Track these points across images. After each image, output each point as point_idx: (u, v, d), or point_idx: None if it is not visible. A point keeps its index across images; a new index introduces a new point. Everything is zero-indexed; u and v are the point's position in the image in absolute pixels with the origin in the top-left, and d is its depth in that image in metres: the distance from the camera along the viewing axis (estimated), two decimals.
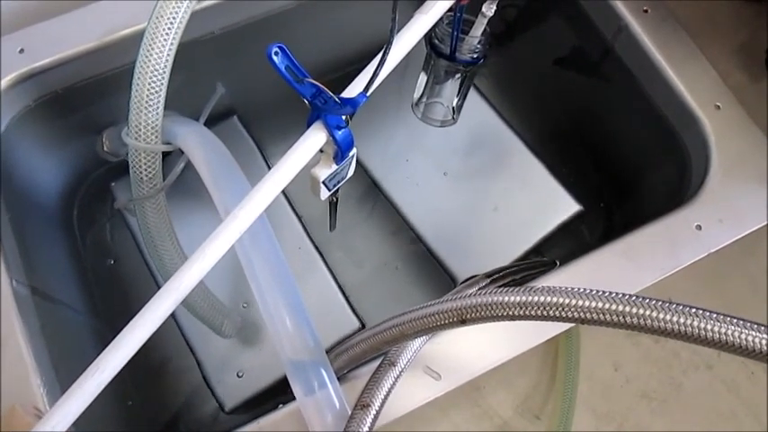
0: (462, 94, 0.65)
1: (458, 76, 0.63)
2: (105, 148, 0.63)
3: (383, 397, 0.45)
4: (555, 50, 0.78)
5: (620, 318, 0.31)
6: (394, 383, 0.46)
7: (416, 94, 0.67)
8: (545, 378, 0.91)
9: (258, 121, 0.80)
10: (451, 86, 0.65)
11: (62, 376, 0.51)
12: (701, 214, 0.55)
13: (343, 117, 0.45)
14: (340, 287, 0.71)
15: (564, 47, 0.76)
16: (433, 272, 0.75)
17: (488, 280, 0.54)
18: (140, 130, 0.49)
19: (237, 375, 0.68)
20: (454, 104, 0.66)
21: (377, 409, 0.44)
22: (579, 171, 0.78)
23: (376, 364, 0.48)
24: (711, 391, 0.92)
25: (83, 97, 0.63)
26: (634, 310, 0.31)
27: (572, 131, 0.81)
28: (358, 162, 0.51)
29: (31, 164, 0.65)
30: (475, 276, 0.56)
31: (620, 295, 0.32)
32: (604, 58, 0.68)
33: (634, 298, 0.31)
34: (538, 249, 0.73)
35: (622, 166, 0.75)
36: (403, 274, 0.78)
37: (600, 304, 0.32)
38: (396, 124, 0.80)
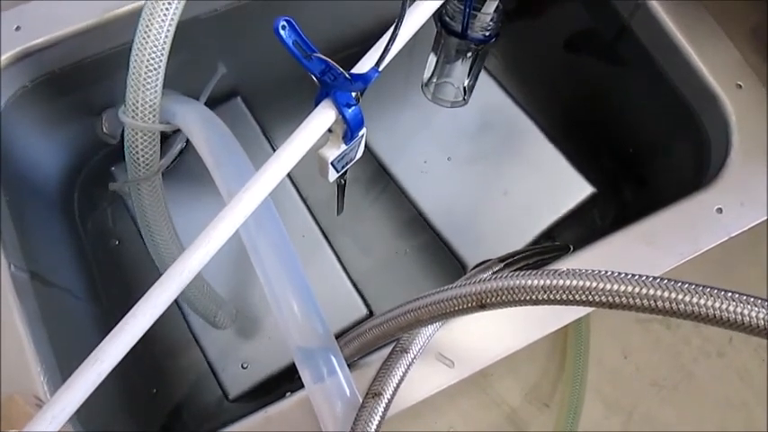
0: (474, 75, 0.64)
1: (469, 54, 0.61)
2: (105, 130, 0.62)
3: (395, 385, 0.43)
4: (569, 28, 0.76)
5: (652, 302, 0.29)
6: (406, 371, 0.44)
7: (426, 75, 0.65)
8: (554, 365, 0.90)
9: (263, 102, 0.78)
10: (462, 66, 0.63)
11: (63, 364, 0.50)
12: (721, 197, 0.53)
13: (353, 94, 0.43)
14: (347, 273, 0.70)
15: (578, 24, 0.74)
16: (442, 257, 0.73)
17: (502, 264, 0.53)
18: (137, 108, 0.48)
19: (242, 367, 0.66)
20: (465, 84, 0.64)
21: (389, 397, 0.43)
22: (592, 153, 0.76)
23: (387, 351, 0.46)
24: (723, 379, 0.91)
25: (82, 77, 0.61)
26: (666, 294, 0.29)
27: (585, 113, 0.78)
28: (365, 145, 0.49)
29: (29, 146, 0.63)
30: (488, 261, 0.54)
31: (651, 279, 0.30)
32: (620, 37, 0.66)
33: (666, 281, 0.30)
34: (550, 234, 0.71)
35: (637, 149, 0.73)
36: (411, 260, 0.76)
37: (630, 288, 0.30)
38: (404, 107, 0.78)
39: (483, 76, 0.77)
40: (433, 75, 0.65)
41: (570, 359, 0.88)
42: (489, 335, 0.48)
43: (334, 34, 0.73)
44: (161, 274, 0.59)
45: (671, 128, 0.66)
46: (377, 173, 0.77)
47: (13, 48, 0.56)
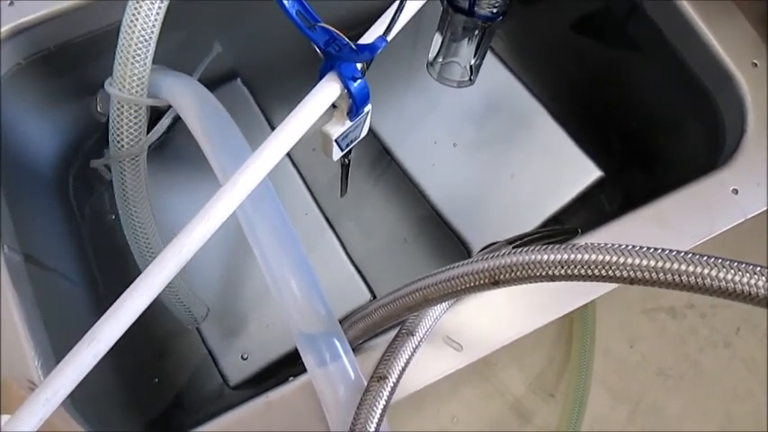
0: (480, 54, 0.62)
1: (476, 32, 0.59)
2: (98, 109, 0.60)
3: (401, 368, 0.42)
4: (577, 7, 0.74)
5: (677, 277, 0.28)
6: (412, 354, 0.43)
7: (431, 54, 0.64)
8: (559, 355, 0.89)
9: (264, 84, 0.76)
10: (469, 44, 0.61)
11: (58, 348, 0.49)
12: (737, 178, 0.52)
13: (359, 67, 0.41)
14: (350, 257, 0.68)
15: (587, 3, 0.72)
16: (447, 242, 0.72)
17: (510, 247, 0.51)
18: (125, 80, 0.47)
19: (242, 358, 0.65)
20: (472, 63, 0.62)
21: (394, 381, 0.41)
22: (600, 137, 0.74)
23: (392, 334, 0.45)
24: (729, 369, 0.90)
25: (77, 55, 0.59)
26: (692, 269, 0.28)
27: (593, 95, 0.77)
28: (369, 128, 0.48)
29: (24, 126, 0.61)
30: (495, 243, 0.53)
31: (676, 252, 0.28)
32: (631, 15, 0.64)
33: (691, 255, 0.28)
34: (557, 219, 0.69)
35: (647, 130, 0.71)
36: (415, 245, 0.75)
37: (653, 262, 0.28)
38: (408, 88, 0.76)
39: (489, 57, 0.75)
40: (438, 54, 0.63)
41: (576, 349, 0.88)
42: (500, 317, 0.47)
43: (341, 13, 0.71)
44: (137, 258, 0.58)
45: (683, 109, 0.64)
46: (380, 156, 0.76)
47: (6, 23, 0.54)
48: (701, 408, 0.88)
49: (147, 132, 0.53)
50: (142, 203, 0.56)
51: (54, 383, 0.35)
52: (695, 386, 0.89)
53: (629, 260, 0.29)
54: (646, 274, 0.28)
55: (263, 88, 0.75)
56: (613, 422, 0.86)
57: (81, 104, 0.64)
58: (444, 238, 0.72)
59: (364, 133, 0.48)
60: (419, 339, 0.43)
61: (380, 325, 0.41)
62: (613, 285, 0.48)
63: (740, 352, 0.91)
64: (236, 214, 0.46)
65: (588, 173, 0.70)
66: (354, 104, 0.42)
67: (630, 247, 0.29)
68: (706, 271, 0.28)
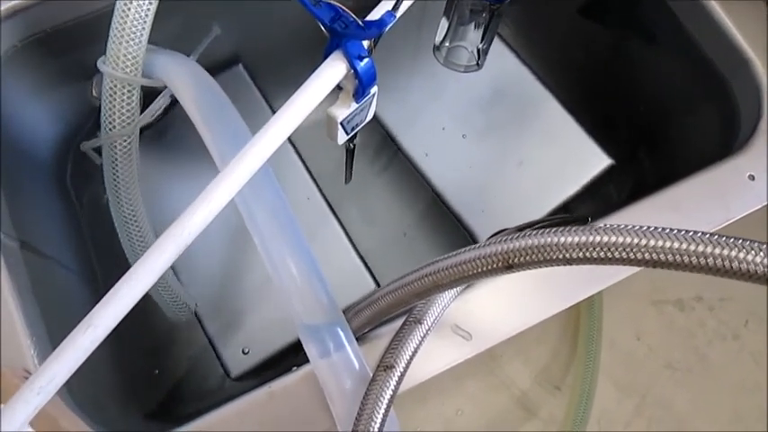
0: (488, 38, 0.60)
1: (484, 15, 0.58)
2: (94, 93, 0.59)
3: (409, 357, 0.41)
4: None
5: (702, 260, 0.26)
6: (420, 343, 0.41)
7: (438, 38, 0.62)
8: (565, 347, 0.88)
9: (266, 69, 0.74)
10: (476, 28, 0.59)
11: (55, 337, 0.47)
12: (753, 164, 0.50)
13: (366, 45, 0.40)
14: (354, 246, 0.67)
15: None
16: (452, 231, 0.71)
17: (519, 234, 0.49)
18: (119, 59, 0.46)
19: (243, 352, 0.64)
20: (479, 48, 0.61)
21: (401, 370, 0.40)
22: (609, 124, 0.73)
23: (399, 323, 0.44)
24: (737, 362, 0.89)
25: (74, 38, 0.58)
26: (718, 251, 0.26)
27: (603, 80, 0.75)
28: (374, 115, 0.46)
29: (20, 110, 0.60)
30: (503, 230, 0.51)
31: (701, 234, 0.27)
32: None
33: (718, 237, 0.27)
34: (566, 208, 0.68)
35: (658, 117, 0.69)
36: (420, 233, 0.74)
37: (677, 244, 0.27)
38: (414, 74, 0.75)
39: (496, 42, 0.74)
40: (445, 38, 0.62)
41: (582, 341, 0.86)
42: (510, 305, 0.46)
43: None
44: (124, 244, 0.57)
45: (696, 94, 0.62)
46: (384, 143, 0.74)
47: (1, 4, 0.53)
48: (708, 401, 0.87)
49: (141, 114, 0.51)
50: (133, 188, 0.55)
51: (49, 371, 0.33)
52: (703, 379, 0.88)
53: (652, 242, 0.27)
54: (669, 256, 0.27)
55: (266, 74, 0.74)
56: (620, 415, 0.85)
57: (78, 89, 0.62)
58: (450, 227, 0.71)
59: (370, 116, 0.47)
60: (427, 327, 0.42)
61: (387, 312, 0.40)
62: (623, 275, 0.48)
63: (748, 345, 0.90)
64: (236, 201, 0.45)
65: (598, 161, 0.69)
66: (361, 85, 0.41)
67: (653, 228, 0.28)
68: (734, 253, 0.26)
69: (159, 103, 0.52)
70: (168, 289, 0.61)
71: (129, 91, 0.48)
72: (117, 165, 0.53)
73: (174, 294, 0.62)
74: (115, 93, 0.48)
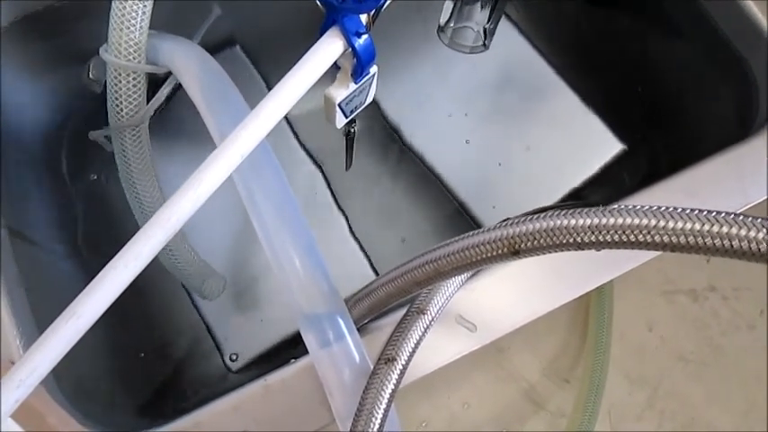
0: (495, 18, 0.58)
1: None
2: (91, 76, 0.57)
3: (411, 350, 0.39)
4: None
5: (726, 242, 0.24)
6: (423, 334, 0.40)
7: (443, 19, 0.60)
8: (574, 339, 0.86)
9: (264, 51, 0.72)
10: (483, 8, 0.57)
11: (43, 328, 0.45)
12: None
13: (364, 20, 0.38)
14: (355, 237, 0.66)
15: None
16: (458, 220, 0.69)
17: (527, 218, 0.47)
18: (121, 46, 0.44)
19: (242, 347, 0.63)
20: (486, 27, 0.59)
21: (403, 363, 0.38)
22: (621, 107, 0.71)
23: (400, 314, 0.42)
24: (753, 353, 0.87)
25: (68, 18, 0.57)
26: (743, 233, 0.24)
27: (614, 63, 0.73)
28: (374, 102, 0.44)
29: (9, 94, 0.58)
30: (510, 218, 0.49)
31: (724, 214, 0.25)
32: None
33: (742, 217, 0.24)
34: (576, 194, 0.66)
35: (672, 100, 0.67)
36: (424, 222, 0.72)
37: (698, 225, 0.25)
38: (417, 57, 0.73)
39: (504, 24, 0.72)
40: (450, 18, 0.60)
41: (592, 332, 0.84)
42: (517, 295, 0.44)
43: None
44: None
45: (712, 74, 0.60)
46: (386, 131, 0.72)
47: None
48: (722, 392, 0.85)
49: (148, 101, 0.50)
50: (147, 176, 0.54)
51: (30, 363, 0.32)
52: (717, 370, 0.86)
53: (671, 224, 0.25)
54: (691, 238, 0.25)
55: (264, 55, 0.72)
56: (631, 408, 0.83)
57: (73, 71, 0.61)
58: (455, 215, 0.69)
59: (370, 99, 0.45)
60: (431, 318, 0.40)
61: (387, 302, 0.38)
62: (634, 263, 0.46)
63: (764, 335, 0.88)
64: (235, 183, 0.44)
65: (610, 146, 0.67)
66: (359, 63, 0.39)
67: (672, 209, 0.26)
68: (761, 235, 0.24)
69: (166, 91, 0.51)
70: (192, 270, 0.60)
71: (134, 79, 0.47)
72: (128, 154, 0.52)
73: (202, 273, 0.61)
74: (120, 81, 0.47)
